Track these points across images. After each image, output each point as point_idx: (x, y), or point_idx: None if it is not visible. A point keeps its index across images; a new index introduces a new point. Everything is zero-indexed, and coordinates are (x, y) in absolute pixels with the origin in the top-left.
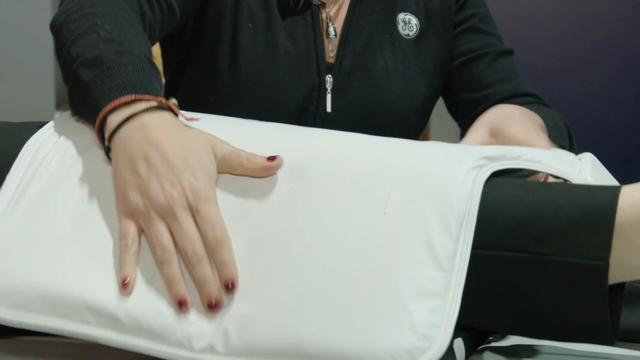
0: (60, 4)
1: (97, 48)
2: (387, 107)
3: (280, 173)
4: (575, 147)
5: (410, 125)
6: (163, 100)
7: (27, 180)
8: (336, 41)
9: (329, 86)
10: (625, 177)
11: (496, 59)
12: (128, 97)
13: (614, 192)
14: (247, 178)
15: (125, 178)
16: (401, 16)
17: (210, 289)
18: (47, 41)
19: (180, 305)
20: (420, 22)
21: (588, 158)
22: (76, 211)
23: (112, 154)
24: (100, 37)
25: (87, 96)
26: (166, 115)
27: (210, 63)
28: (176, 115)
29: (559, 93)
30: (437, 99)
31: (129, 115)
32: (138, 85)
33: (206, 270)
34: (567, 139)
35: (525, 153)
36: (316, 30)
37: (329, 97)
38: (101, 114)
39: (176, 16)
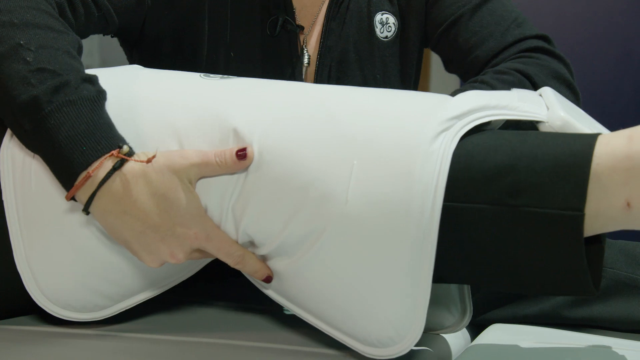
0: None
1: (30, 84)
2: None
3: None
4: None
5: None
6: (115, 152)
7: (21, 199)
8: (311, 67)
9: None
10: None
11: (472, 17)
12: (84, 177)
13: (589, 141)
14: None
15: (125, 243)
16: (378, 17)
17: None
18: None
19: None
20: (398, 20)
21: (549, 92)
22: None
23: (97, 219)
24: (29, 66)
25: (37, 149)
26: (128, 170)
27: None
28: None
29: None
30: None
31: (94, 190)
32: (86, 140)
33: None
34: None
35: (491, 99)
36: (294, 59)
37: None
38: (66, 197)
39: (113, 25)
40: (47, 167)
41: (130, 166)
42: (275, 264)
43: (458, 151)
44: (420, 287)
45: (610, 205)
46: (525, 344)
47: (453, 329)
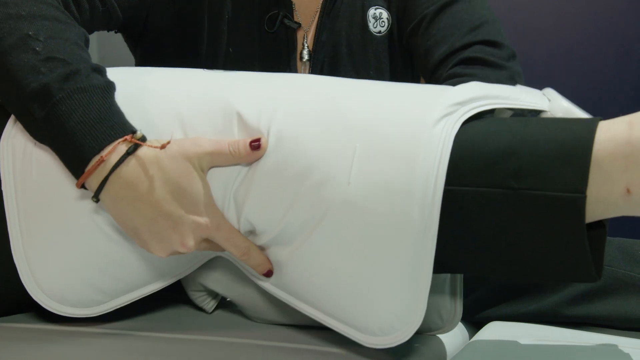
0: None
1: (40, 72)
2: None
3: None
4: None
5: None
6: (128, 137)
7: (21, 191)
8: (307, 64)
9: None
10: None
11: (433, 19)
12: (97, 161)
13: (591, 126)
14: None
15: (134, 231)
16: (371, 11)
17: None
18: None
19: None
20: (391, 16)
21: (552, 91)
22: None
23: (106, 207)
24: (38, 56)
25: (47, 137)
26: (142, 155)
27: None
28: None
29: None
30: None
31: (106, 175)
32: (99, 126)
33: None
34: None
35: (492, 90)
36: (290, 55)
37: None
38: (77, 184)
39: (116, 20)
40: (50, 157)
41: (144, 151)
42: (276, 254)
43: (460, 136)
44: (422, 272)
45: (610, 191)
46: (523, 341)
47: (441, 332)
